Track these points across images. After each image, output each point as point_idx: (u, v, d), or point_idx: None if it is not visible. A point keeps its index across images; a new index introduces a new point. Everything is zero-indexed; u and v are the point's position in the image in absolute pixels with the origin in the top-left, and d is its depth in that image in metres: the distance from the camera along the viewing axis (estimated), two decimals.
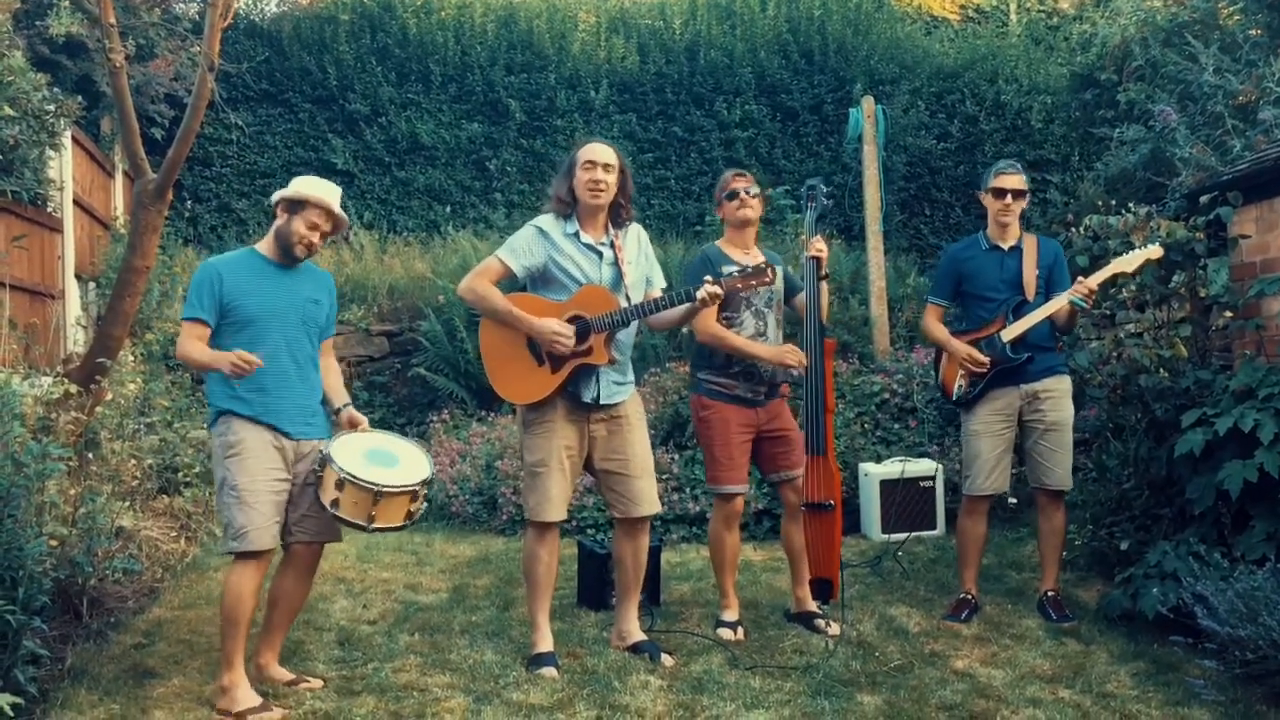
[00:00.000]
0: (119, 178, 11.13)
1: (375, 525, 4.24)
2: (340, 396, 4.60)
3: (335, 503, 4.18)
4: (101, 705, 4.16)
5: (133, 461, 6.57)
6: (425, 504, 4.49)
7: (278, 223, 4.37)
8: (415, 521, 4.42)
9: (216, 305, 4.20)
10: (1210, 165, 7.04)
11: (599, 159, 4.62)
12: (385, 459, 4.37)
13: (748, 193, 5.07)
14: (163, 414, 7.48)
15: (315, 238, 4.37)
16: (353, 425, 4.50)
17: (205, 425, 4.27)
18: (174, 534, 6.58)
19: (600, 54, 12.60)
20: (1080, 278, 5.10)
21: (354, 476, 4.17)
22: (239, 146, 12.05)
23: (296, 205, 4.35)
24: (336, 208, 4.40)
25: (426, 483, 4.38)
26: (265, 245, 4.41)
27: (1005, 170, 5.30)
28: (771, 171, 12.16)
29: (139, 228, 6.63)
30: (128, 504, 6.22)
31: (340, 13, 12.42)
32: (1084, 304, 5.01)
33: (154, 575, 5.90)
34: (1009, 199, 5.26)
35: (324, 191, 4.39)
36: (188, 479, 7.11)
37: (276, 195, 4.41)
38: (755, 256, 5.00)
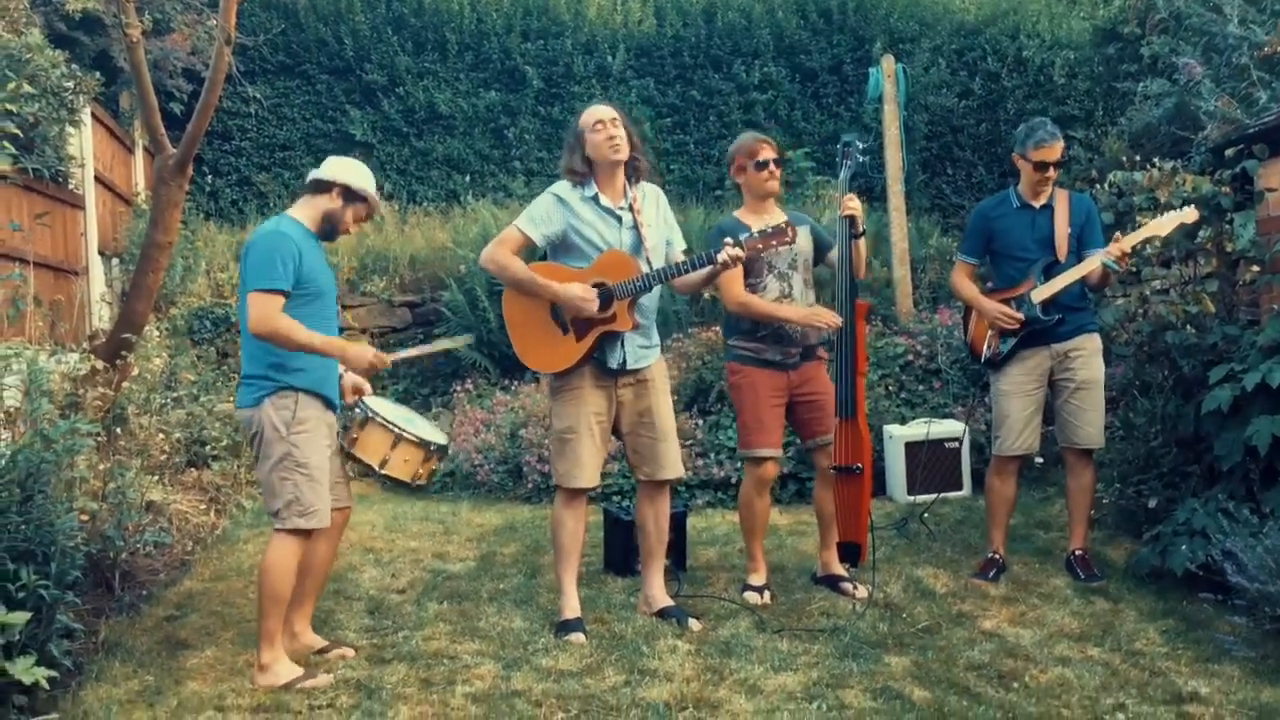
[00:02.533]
0: (139, 153, 11.16)
1: (418, 481, 4.53)
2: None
3: (385, 461, 4.44)
4: (135, 677, 4.21)
5: (160, 436, 6.62)
6: (411, 479, 4.67)
7: (330, 205, 4.33)
8: (384, 475, 4.57)
9: (295, 277, 4.13)
10: (1236, 118, 6.95)
11: (605, 116, 4.64)
12: (409, 420, 4.63)
13: (778, 162, 5.05)
14: (189, 388, 7.54)
15: (354, 228, 4.44)
16: (358, 391, 4.57)
17: (242, 400, 4.20)
18: (203, 507, 6.64)
19: (617, 18, 12.52)
20: (1117, 235, 5.05)
21: (412, 434, 4.45)
22: (257, 120, 12.05)
23: (355, 197, 4.35)
24: (380, 206, 4.50)
25: (442, 449, 4.48)
26: (306, 217, 4.34)
27: (1046, 141, 5.16)
28: (791, 134, 12.07)
29: (160, 203, 6.65)
30: (156, 478, 6.28)
31: None
32: (1117, 267, 4.96)
33: (184, 548, 5.96)
34: (1050, 170, 5.20)
35: (373, 187, 4.43)
36: (215, 452, 7.16)
37: (335, 177, 4.33)
38: (776, 218, 4.96)
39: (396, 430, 4.31)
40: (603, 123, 4.62)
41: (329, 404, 4.27)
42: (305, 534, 4.19)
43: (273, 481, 4.14)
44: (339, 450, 4.40)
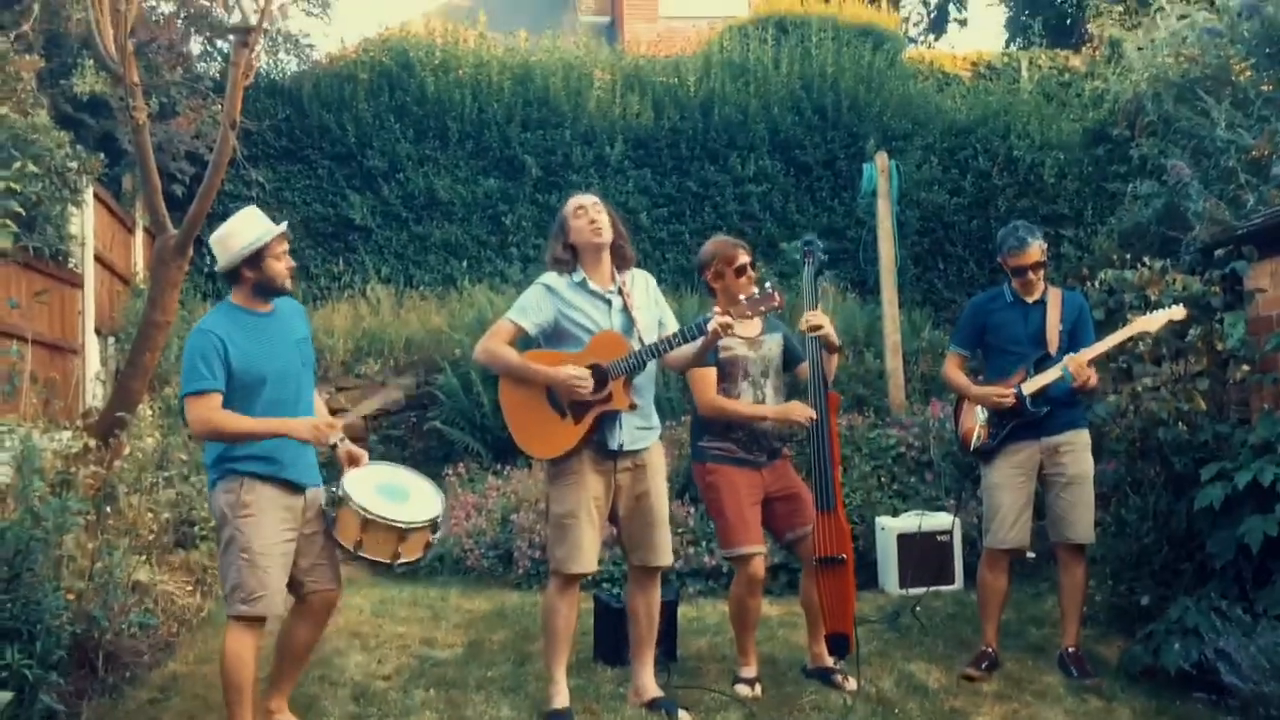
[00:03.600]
0: (139, 234, 11.23)
1: (400, 560, 4.23)
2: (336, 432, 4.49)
3: (359, 544, 4.17)
4: None
5: (150, 515, 6.56)
6: (425, 553, 4.44)
7: (250, 277, 4.21)
8: (399, 565, 4.31)
9: (226, 370, 4.05)
10: (1224, 220, 7.04)
11: (587, 202, 4.70)
12: (397, 493, 4.36)
13: (753, 265, 5.12)
14: (180, 468, 7.49)
15: (288, 260, 4.28)
16: (353, 461, 4.38)
17: (211, 482, 4.15)
18: (189, 588, 6.56)
19: (615, 110, 12.71)
20: (1077, 351, 5.10)
21: (381, 516, 4.16)
22: (259, 202, 12.08)
23: (259, 254, 4.19)
24: (274, 226, 4.26)
25: (424, 526, 4.32)
26: (241, 300, 4.27)
27: (1017, 248, 5.25)
28: (785, 225, 12.20)
29: (159, 283, 6.69)
30: (144, 558, 6.21)
31: (360, 71, 12.56)
32: (1071, 380, 4.99)
33: (169, 630, 5.88)
34: (1029, 275, 5.27)
35: (262, 222, 4.26)
36: (204, 533, 7.09)
37: (233, 259, 4.19)
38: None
39: (363, 513, 4.15)
40: (583, 208, 4.67)
41: (292, 486, 4.19)
42: (257, 621, 4.11)
43: (222, 566, 4.13)
44: (325, 531, 4.32)
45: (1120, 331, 5.10)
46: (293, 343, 4.33)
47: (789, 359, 5.20)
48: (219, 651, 5.56)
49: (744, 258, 5.09)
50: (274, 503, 4.14)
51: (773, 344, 5.11)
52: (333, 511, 4.22)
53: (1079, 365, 4.98)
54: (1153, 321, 5.06)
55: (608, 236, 4.67)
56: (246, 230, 4.21)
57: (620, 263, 4.76)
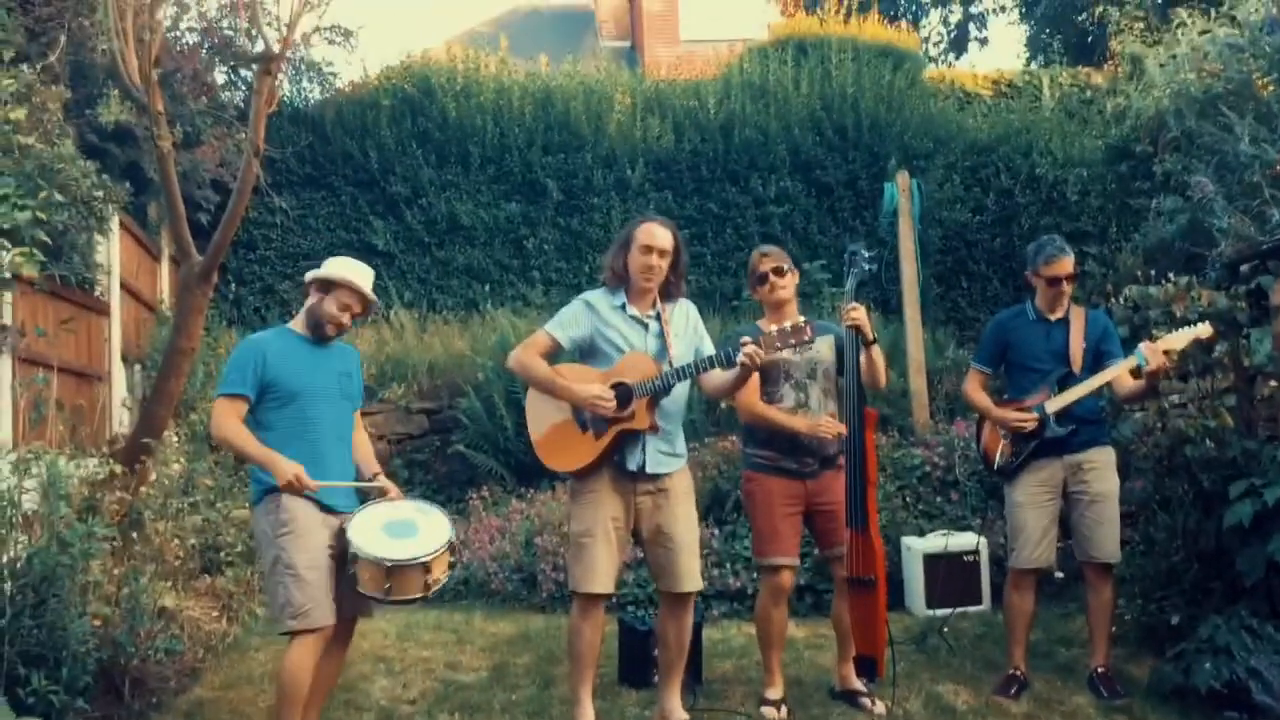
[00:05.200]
0: (165, 262, 11.32)
1: (393, 597, 4.23)
2: (371, 465, 4.60)
3: (388, 590, 4.21)
4: None
5: (176, 541, 6.60)
6: (450, 573, 4.44)
7: (310, 301, 4.42)
8: (434, 592, 4.33)
9: (259, 382, 4.20)
10: (1249, 235, 7.01)
11: (656, 244, 4.64)
12: (404, 529, 4.35)
13: (778, 273, 5.07)
14: (205, 494, 7.52)
15: (345, 319, 4.43)
16: (382, 494, 4.49)
17: (248, 504, 4.22)
18: (215, 614, 6.59)
19: (636, 133, 12.74)
20: (1101, 370, 5.06)
21: (400, 560, 4.19)
22: (282, 229, 12.23)
23: (329, 286, 4.41)
24: (368, 290, 4.46)
25: (442, 551, 4.30)
26: (298, 323, 4.46)
27: (1056, 257, 5.23)
28: (807, 246, 12.19)
29: (184, 310, 6.74)
30: (170, 584, 6.24)
31: (382, 98, 12.64)
32: (1146, 360, 4.88)
33: (195, 655, 5.90)
34: (1063, 285, 5.25)
35: (356, 274, 4.45)
36: (230, 559, 7.12)
37: (310, 274, 4.46)
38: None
39: (384, 563, 4.16)
40: (649, 249, 4.63)
41: (324, 508, 4.25)
42: (314, 634, 4.14)
43: (269, 585, 4.18)
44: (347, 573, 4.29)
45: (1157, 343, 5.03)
46: (335, 372, 4.47)
47: (841, 360, 5.13)
48: (244, 676, 5.63)
49: (764, 265, 5.09)
50: (313, 518, 4.21)
51: (822, 346, 5.07)
52: (352, 568, 4.23)
53: (1154, 350, 4.89)
54: (1177, 340, 5.01)
55: (656, 285, 4.69)
56: (345, 267, 4.46)
57: (666, 295, 4.78)
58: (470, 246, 12.39)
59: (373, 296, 4.49)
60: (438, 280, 12.37)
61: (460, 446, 9.87)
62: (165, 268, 11.36)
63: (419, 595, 4.28)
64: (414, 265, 12.38)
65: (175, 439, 8.29)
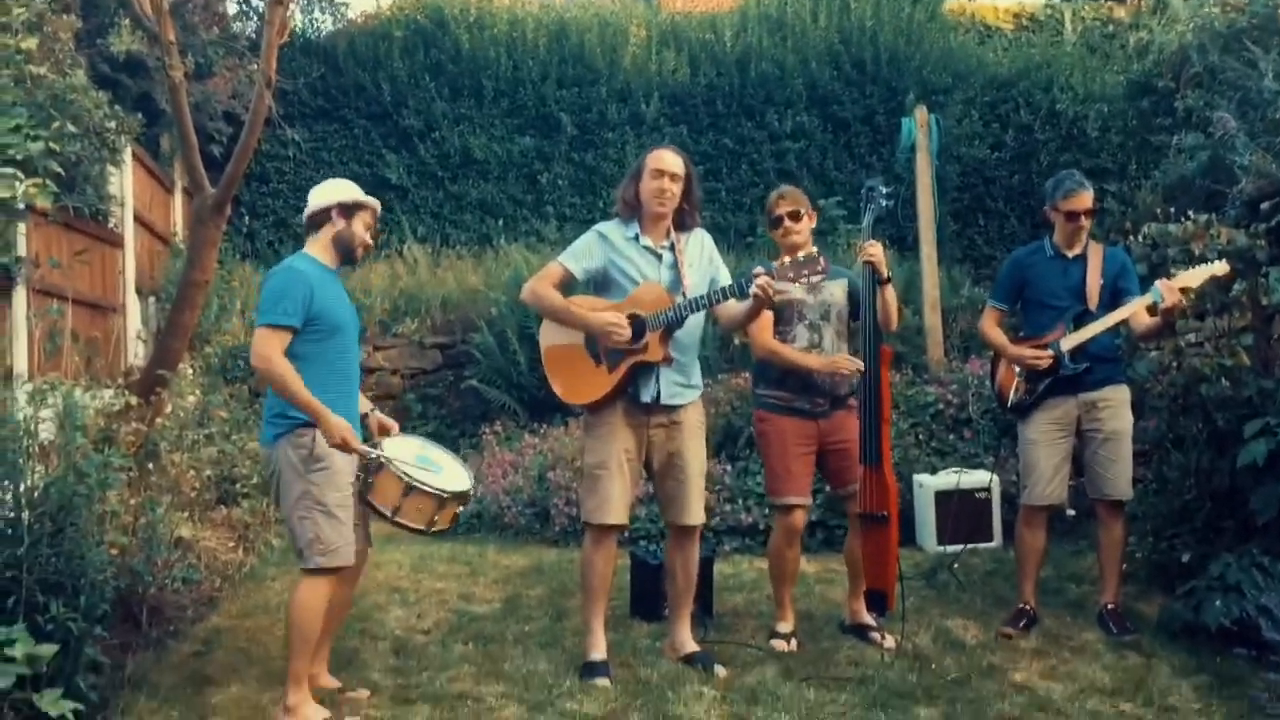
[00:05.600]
0: (178, 194, 11.31)
1: (434, 528, 4.36)
2: (364, 402, 4.60)
3: (398, 509, 4.26)
4: (160, 712, 4.21)
5: (191, 472, 6.64)
6: (453, 525, 4.58)
7: (335, 229, 4.34)
8: (433, 532, 4.43)
9: (306, 314, 4.13)
10: (1270, 172, 6.91)
11: (666, 168, 4.62)
12: (431, 465, 4.47)
13: (793, 218, 5.03)
14: (221, 426, 7.57)
15: (370, 242, 4.43)
16: (384, 431, 4.53)
17: (274, 434, 4.18)
18: (231, 544, 6.65)
19: (651, 67, 12.61)
20: (1118, 307, 5.03)
21: (424, 484, 4.28)
22: (295, 162, 12.19)
23: (353, 209, 4.37)
24: (376, 204, 4.47)
25: (458, 496, 4.44)
26: (319, 252, 4.37)
27: (1075, 191, 5.18)
28: (823, 183, 12.10)
29: (198, 242, 6.73)
30: (186, 514, 6.30)
31: (394, 29, 12.53)
32: (1162, 297, 4.84)
33: (212, 584, 5.97)
34: (1082, 220, 5.20)
35: (362, 194, 4.44)
36: (245, 490, 7.18)
37: (328, 200, 4.36)
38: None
39: (407, 480, 4.24)
40: (660, 173, 4.62)
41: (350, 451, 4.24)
42: (332, 572, 4.18)
43: (293, 521, 4.15)
44: (357, 493, 4.37)
45: (1201, 270, 4.98)
46: (354, 305, 4.49)
47: (855, 304, 5.13)
48: (261, 605, 5.70)
49: (780, 207, 5.04)
50: (345, 457, 4.20)
51: (835, 289, 5.07)
52: (370, 476, 4.29)
53: (1170, 288, 4.86)
54: (1194, 277, 4.97)
55: (669, 209, 4.67)
56: (350, 188, 4.41)
57: (680, 225, 4.75)
58: (484, 181, 12.34)
59: (376, 204, 4.49)
60: (451, 215, 12.34)
61: (474, 381, 9.91)
62: (178, 200, 11.36)
63: (420, 527, 4.34)
64: (427, 199, 12.35)
65: (190, 371, 8.33)
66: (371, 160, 12.35)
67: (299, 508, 4.13)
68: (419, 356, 10.54)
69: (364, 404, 4.57)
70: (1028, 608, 5.31)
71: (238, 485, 7.20)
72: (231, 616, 5.58)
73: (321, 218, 4.37)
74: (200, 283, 6.80)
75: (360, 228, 4.37)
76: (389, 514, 4.27)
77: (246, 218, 11.95)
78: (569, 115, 12.35)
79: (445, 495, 4.31)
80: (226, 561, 6.36)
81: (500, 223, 12.21)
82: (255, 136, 6.48)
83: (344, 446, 4.10)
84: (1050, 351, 5.13)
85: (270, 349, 4.06)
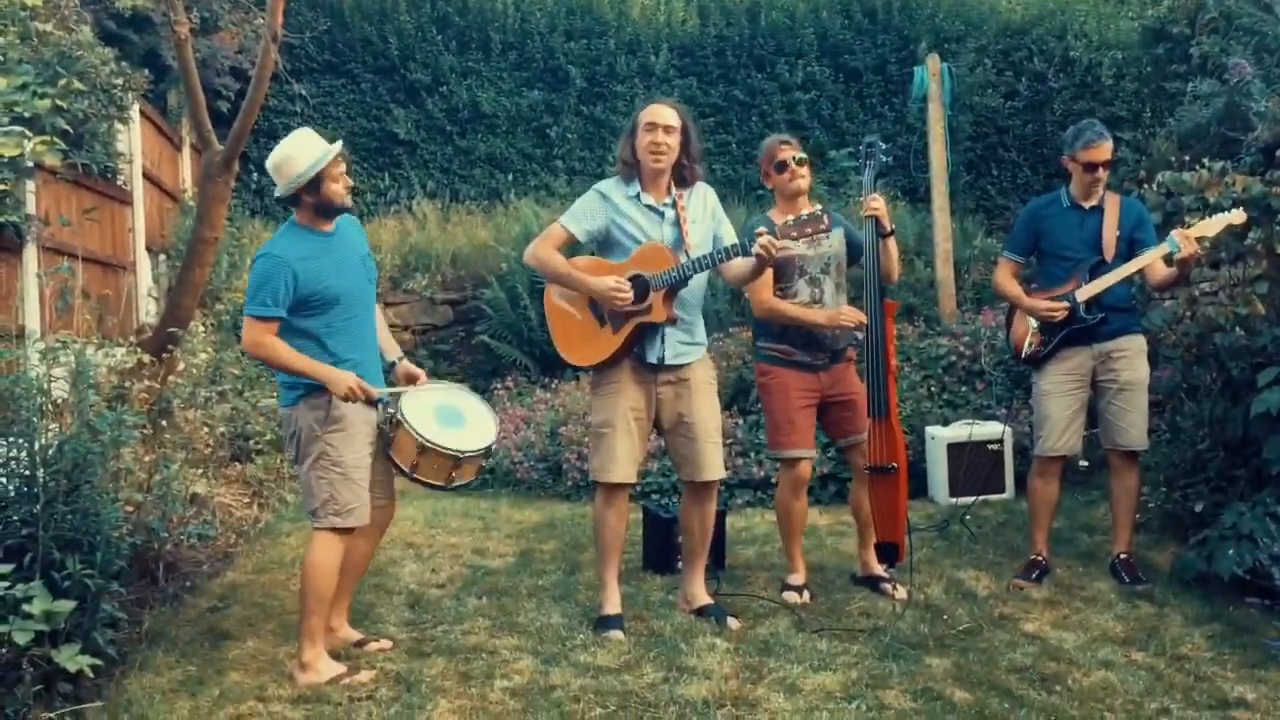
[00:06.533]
0: (186, 150, 11.29)
1: (454, 484, 4.41)
2: (393, 349, 4.58)
3: (415, 466, 4.31)
4: (179, 667, 4.25)
5: (205, 429, 6.68)
6: (477, 478, 4.61)
7: (310, 202, 4.23)
8: (455, 487, 4.48)
9: (292, 300, 4.09)
10: None
11: (660, 120, 4.57)
12: (453, 418, 4.47)
13: (796, 161, 5.00)
14: (234, 383, 7.61)
15: (347, 181, 4.30)
16: (410, 380, 4.47)
17: (294, 396, 4.17)
18: (246, 500, 6.70)
19: (660, 18, 12.52)
20: (1134, 258, 5.00)
21: (437, 445, 4.29)
22: (303, 118, 12.13)
23: (318, 180, 4.19)
24: (334, 150, 4.24)
25: (479, 454, 4.46)
26: (308, 220, 4.28)
27: (1094, 142, 5.12)
28: (835, 133, 12.04)
29: (207, 199, 6.73)
30: (201, 471, 6.34)
31: None
32: (1179, 247, 4.81)
33: (227, 540, 6.02)
34: (1100, 171, 5.16)
35: (317, 144, 4.25)
36: (259, 447, 7.22)
37: (288, 186, 4.19)
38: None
39: (420, 439, 4.26)
40: (653, 126, 4.56)
41: (369, 402, 4.24)
42: (345, 532, 4.20)
43: (310, 481, 4.17)
44: (382, 449, 4.39)
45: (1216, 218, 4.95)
46: (358, 259, 4.38)
47: (852, 253, 5.14)
48: (276, 561, 5.74)
49: (784, 152, 5.01)
50: (360, 416, 4.20)
51: (834, 239, 5.04)
52: (390, 432, 4.33)
53: (1186, 237, 4.83)
54: (1210, 226, 4.93)
55: (667, 164, 4.61)
56: (302, 154, 4.20)
57: (681, 181, 4.70)
58: (492, 135, 12.29)
59: (337, 147, 4.27)
60: (460, 170, 12.30)
61: (485, 337, 9.93)
62: (187, 156, 11.34)
63: (439, 484, 4.39)
64: (436, 154, 12.31)
65: (202, 329, 8.36)
66: (379, 115, 12.31)
67: (316, 468, 4.15)
68: (430, 313, 10.56)
69: (393, 350, 4.57)
70: (1040, 558, 5.32)
71: (251, 442, 7.24)
72: (247, 572, 5.62)
73: (292, 199, 4.28)
74: (210, 240, 6.80)
75: (332, 186, 4.22)
76: (407, 471, 4.32)
77: (255, 174, 11.91)
78: (577, 68, 12.28)
79: (460, 455, 4.33)
80: (241, 517, 6.41)
81: (509, 177, 12.17)
82: (262, 92, 6.45)
83: (354, 395, 4.10)
84: (1066, 303, 5.11)
85: (256, 335, 4.10)
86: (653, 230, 4.62)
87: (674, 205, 4.66)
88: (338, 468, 4.14)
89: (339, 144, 4.30)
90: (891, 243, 5.00)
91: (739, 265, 4.57)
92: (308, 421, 4.16)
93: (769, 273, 4.75)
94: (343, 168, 4.30)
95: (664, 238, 4.61)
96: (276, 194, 4.31)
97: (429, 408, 4.42)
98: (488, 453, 4.49)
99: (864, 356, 5.10)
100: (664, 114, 4.59)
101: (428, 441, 4.27)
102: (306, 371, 4.09)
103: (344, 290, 4.23)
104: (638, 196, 4.65)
